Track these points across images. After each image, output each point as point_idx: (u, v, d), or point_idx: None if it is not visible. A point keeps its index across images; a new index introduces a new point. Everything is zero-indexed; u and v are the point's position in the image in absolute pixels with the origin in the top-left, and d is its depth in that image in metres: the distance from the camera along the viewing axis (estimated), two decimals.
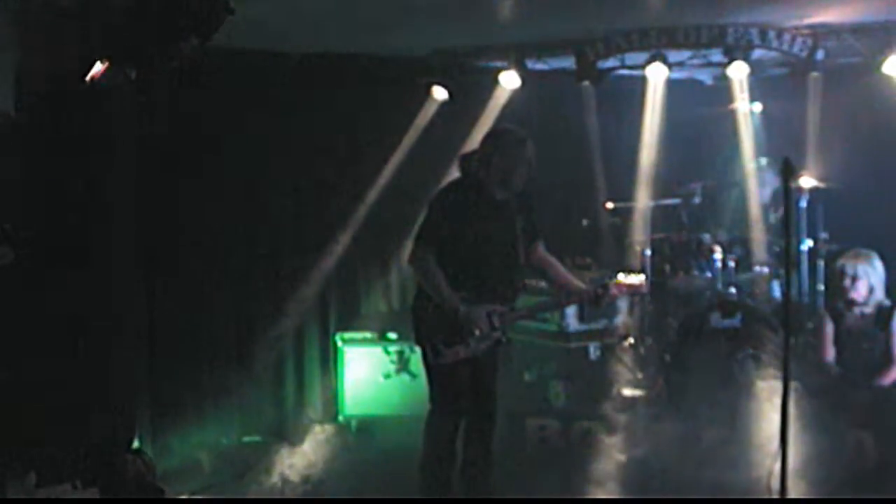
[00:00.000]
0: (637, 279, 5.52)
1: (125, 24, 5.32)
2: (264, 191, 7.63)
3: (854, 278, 6.59)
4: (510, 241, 5.32)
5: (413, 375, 7.27)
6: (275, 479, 6.52)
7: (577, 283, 5.54)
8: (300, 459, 6.91)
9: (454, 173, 8.11)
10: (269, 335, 7.69)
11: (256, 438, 7.48)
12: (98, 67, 5.84)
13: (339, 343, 7.76)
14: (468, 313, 5.11)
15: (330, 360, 7.96)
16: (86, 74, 5.83)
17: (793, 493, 4.20)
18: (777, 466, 4.12)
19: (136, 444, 6.39)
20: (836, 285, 6.69)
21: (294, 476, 6.54)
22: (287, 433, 7.56)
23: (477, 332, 5.15)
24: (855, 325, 6.67)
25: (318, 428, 7.65)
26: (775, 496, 4.13)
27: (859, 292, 6.60)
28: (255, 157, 7.52)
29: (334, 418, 7.72)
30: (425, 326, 5.27)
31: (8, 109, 5.46)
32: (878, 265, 6.66)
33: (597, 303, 5.45)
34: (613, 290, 5.39)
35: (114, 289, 6.43)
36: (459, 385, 5.29)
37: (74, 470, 5.49)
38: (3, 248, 5.43)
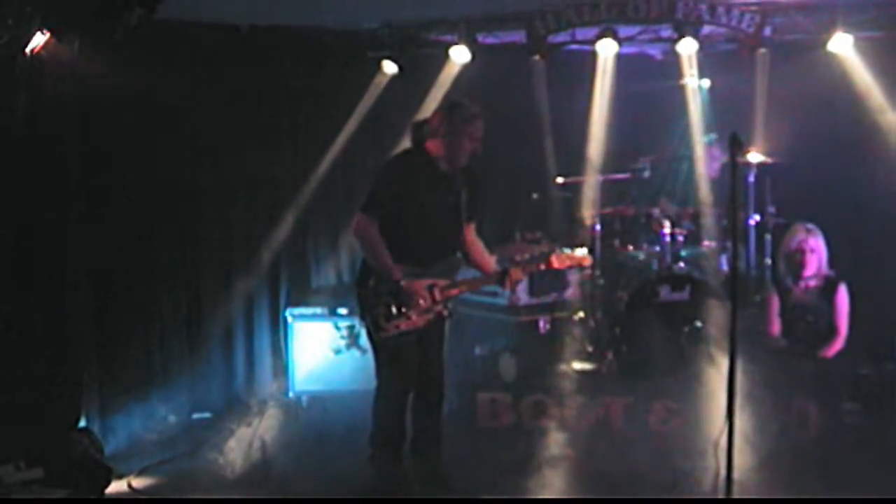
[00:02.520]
0: (579, 254, 5.55)
1: None
2: (212, 165, 7.53)
3: (808, 252, 6.69)
4: (454, 215, 5.31)
5: (363, 350, 7.23)
6: (225, 455, 6.47)
7: (491, 265, 5.54)
8: (250, 436, 6.87)
9: (404, 147, 8.17)
10: (219, 311, 7.62)
11: (206, 415, 7.42)
12: (39, 39, 5.71)
13: (290, 318, 7.71)
14: (409, 286, 5.09)
15: (280, 336, 7.92)
16: (26, 46, 5.70)
17: (739, 463, 4.26)
18: (724, 437, 4.19)
19: (82, 422, 6.33)
20: (792, 260, 6.77)
21: (244, 452, 6.51)
22: (237, 409, 7.50)
23: (419, 305, 5.13)
24: (801, 298, 6.78)
25: (268, 404, 7.61)
26: (722, 467, 4.19)
27: (812, 266, 6.70)
28: (202, 130, 7.43)
29: (285, 394, 7.68)
30: (367, 300, 5.23)
31: None
32: (823, 239, 6.78)
33: (501, 284, 5.45)
34: (515, 274, 5.37)
35: (59, 267, 6.34)
36: (405, 359, 5.26)
37: (19, 449, 5.42)
38: None
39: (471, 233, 5.50)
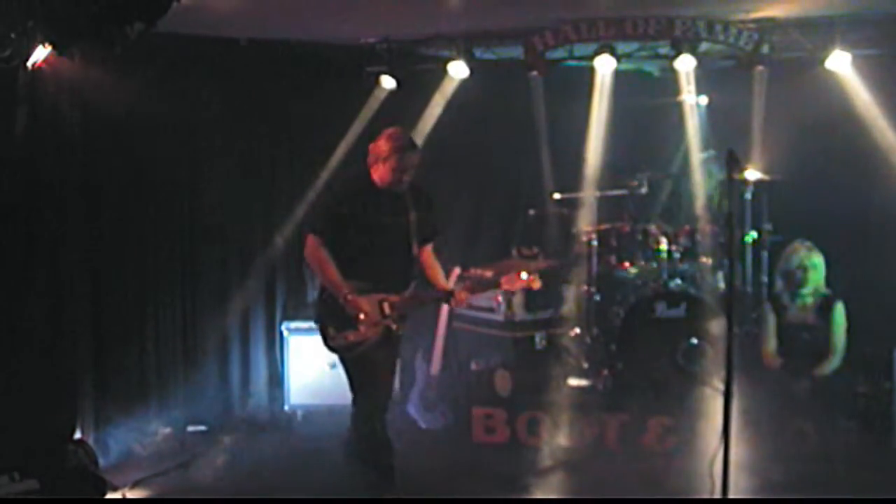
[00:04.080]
0: (527, 277, 5.61)
1: (68, 8, 5.21)
2: (209, 178, 7.54)
3: (807, 270, 6.69)
4: (403, 234, 5.46)
5: None
6: (220, 468, 6.47)
7: (442, 285, 5.66)
8: (245, 449, 6.87)
9: None
10: (216, 324, 7.62)
11: (201, 428, 7.40)
12: (42, 53, 5.74)
13: (285, 332, 7.70)
14: (357, 300, 5.26)
15: (276, 350, 7.92)
16: (27, 58, 5.73)
17: (734, 481, 4.25)
18: (720, 455, 4.19)
19: (77, 434, 6.32)
20: (790, 277, 6.77)
21: (239, 465, 6.50)
22: (233, 423, 7.50)
23: (362, 318, 5.28)
24: (797, 316, 6.77)
25: (263, 417, 7.61)
26: (718, 484, 4.19)
27: (810, 284, 6.70)
28: (199, 143, 7.44)
29: (280, 407, 7.67)
30: (322, 312, 5.46)
31: None
32: (821, 257, 6.79)
33: (447, 303, 5.66)
34: (460, 295, 5.50)
35: (57, 279, 6.34)
36: (367, 370, 5.40)
37: (14, 461, 5.41)
38: None
39: (426, 253, 5.64)
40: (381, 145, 5.38)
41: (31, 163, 6.13)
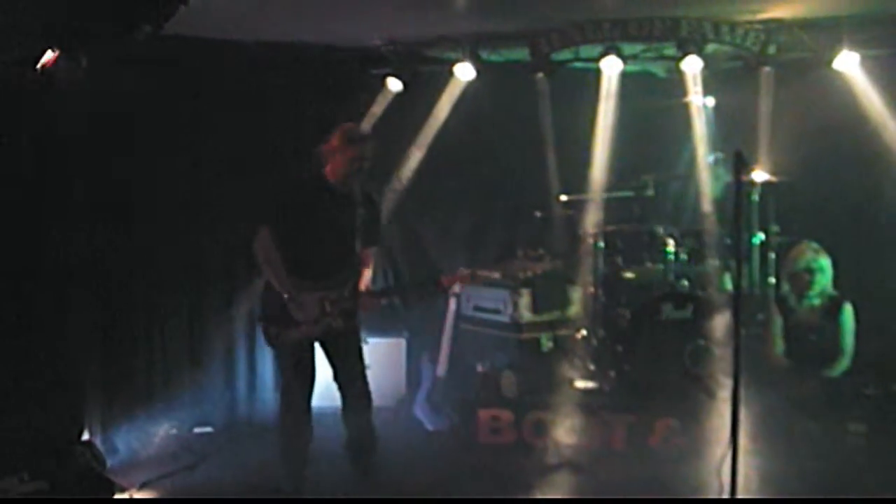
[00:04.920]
0: (463, 272, 5.96)
1: (77, 12, 5.24)
2: (216, 181, 7.52)
3: (815, 272, 6.68)
4: (348, 232, 5.58)
5: (367, 367, 7.23)
6: (226, 470, 6.48)
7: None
8: (252, 450, 6.87)
9: (409, 164, 8.18)
10: (222, 326, 7.62)
11: (208, 429, 7.42)
12: (50, 55, 5.76)
13: None
14: (297, 298, 5.40)
15: None
16: (36, 61, 5.75)
17: (743, 484, 4.24)
18: (727, 457, 4.18)
19: (85, 435, 6.33)
20: (797, 279, 6.76)
21: (245, 467, 6.50)
22: (239, 424, 7.51)
23: (306, 317, 5.42)
24: (805, 317, 6.77)
25: (269, 419, 7.61)
26: (726, 487, 4.18)
27: (817, 286, 6.69)
28: (206, 146, 7.44)
29: None
30: (263, 310, 5.58)
31: None
32: (829, 258, 6.78)
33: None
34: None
35: (64, 282, 6.35)
36: (297, 363, 5.54)
37: (22, 462, 5.43)
38: None
39: (367, 256, 5.75)
40: (334, 139, 5.50)
41: (39, 165, 6.14)
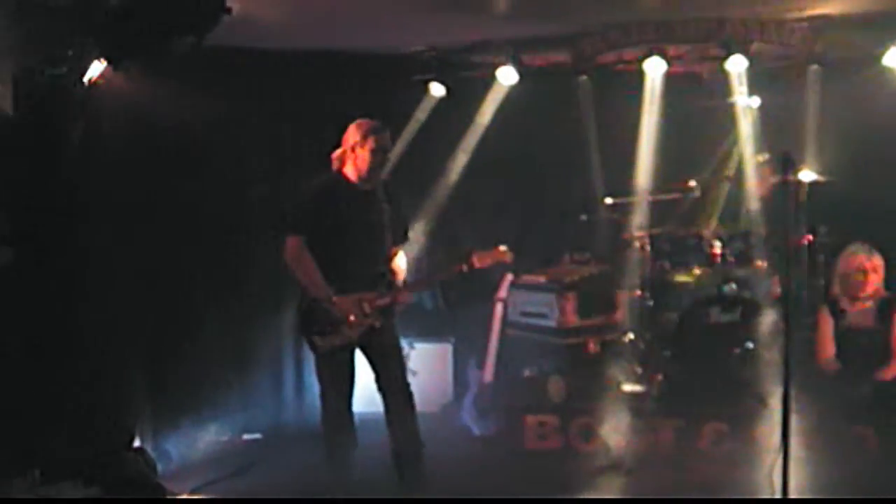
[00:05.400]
0: (501, 249, 5.64)
1: (121, 23, 5.31)
2: (261, 188, 7.58)
3: (868, 272, 6.58)
4: (378, 230, 5.48)
5: (413, 372, 7.24)
6: (275, 475, 6.51)
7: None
8: (300, 456, 6.90)
9: (452, 171, 8.17)
10: (269, 332, 7.67)
11: (256, 436, 7.47)
12: (97, 68, 5.85)
13: None
14: (339, 302, 5.30)
15: None
16: (83, 73, 5.83)
17: (794, 489, 4.18)
18: (778, 462, 4.13)
19: (136, 442, 6.40)
20: (849, 280, 6.66)
21: (294, 473, 6.54)
22: (287, 430, 7.55)
23: (348, 321, 5.33)
24: (855, 320, 6.66)
25: (317, 425, 7.63)
26: (777, 492, 4.13)
27: (870, 287, 6.59)
28: (251, 155, 7.50)
29: None
30: (303, 321, 5.50)
31: (6, 109, 5.45)
32: (882, 259, 6.67)
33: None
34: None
35: (113, 289, 6.43)
36: (339, 369, 5.47)
37: (77, 468, 5.53)
38: (2, 248, 5.44)
39: (397, 257, 5.65)
40: (351, 134, 5.44)
41: (86, 176, 6.22)
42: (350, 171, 5.46)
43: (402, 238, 5.70)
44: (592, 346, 7.76)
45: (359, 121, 5.52)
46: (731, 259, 7.38)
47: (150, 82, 6.37)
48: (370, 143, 5.37)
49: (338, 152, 5.51)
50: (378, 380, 5.65)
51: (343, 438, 5.59)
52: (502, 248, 5.67)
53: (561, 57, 7.92)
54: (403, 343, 7.12)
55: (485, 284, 7.53)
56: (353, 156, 5.42)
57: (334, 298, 5.30)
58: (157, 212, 6.92)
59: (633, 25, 7.38)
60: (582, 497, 5.72)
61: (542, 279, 7.78)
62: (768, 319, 6.78)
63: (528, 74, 7.86)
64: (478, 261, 5.61)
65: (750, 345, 6.88)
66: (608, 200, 8.04)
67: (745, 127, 7.79)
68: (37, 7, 5.24)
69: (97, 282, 6.28)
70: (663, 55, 7.50)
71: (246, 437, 7.45)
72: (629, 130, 7.96)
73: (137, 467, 5.94)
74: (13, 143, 5.56)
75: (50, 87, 5.63)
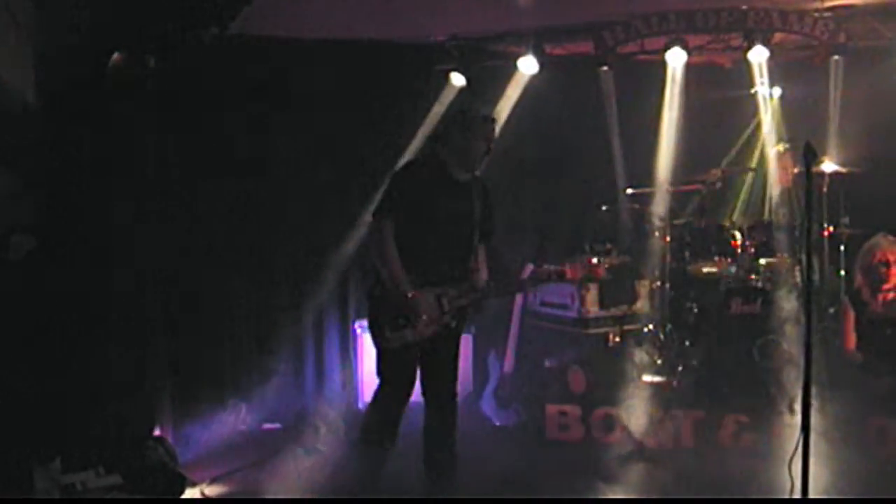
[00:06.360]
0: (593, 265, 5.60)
1: (144, 12, 5.33)
2: (283, 179, 7.61)
3: (891, 265, 6.53)
4: (467, 224, 5.23)
5: None
6: (294, 466, 6.53)
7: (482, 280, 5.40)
8: (319, 447, 6.92)
9: None
10: (289, 323, 7.70)
11: (277, 425, 7.50)
12: (118, 55, 5.87)
13: (358, 331, 7.76)
14: (416, 298, 5.00)
15: (349, 348, 7.97)
16: (106, 62, 5.86)
17: (814, 481, 4.17)
18: (799, 455, 4.11)
19: (157, 431, 6.44)
20: (872, 272, 6.62)
21: (313, 463, 6.56)
22: (307, 420, 7.57)
23: (424, 317, 5.05)
24: (879, 311, 6.62)
25: (337, 415, 7.66)
26: (797, 485, 4.11)
27: (893, 279, 6.55)
28: (275, 143, 7.51)
29: (354, 405, 7.73)
30: (375, 310, 5.13)
31: (28, 96, 5.49)
32: None
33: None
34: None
35: (135, 280, 6.47)
36: (405, 368, 5.17)
37: (98, 456, 5.56)
38: (24, 236, 5.47)
39: (481, 254, 5.41)
40: (446, 124, 5.25)
41: (108, 166, 6.25)
42: (449, 158, 5.18)
43: (487, 237, 5.42)
44: (613, 337, 7.75)
45: (466, 109, 5.35)
46: (752, 250, 7.35)
47: (173, 72, 6.39)
48: (480, 132, 5.12)
49: (451, 129, 5.23)
50: (427, 385, 5.35)
51: (383, 438, 5.23)
52: (594, 260, 5.52)
53: (582, 47, 7.90)
54: None
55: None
56: (455, 142, 5.14)
57: (411, 293, 4.98)
58: (180, 201, 6.95)
59: (655, 16, 7.35)
60: (589, 497, 5.70)
61: (562, 269, 7.76)
62: (789, 310, 6.75)
63: (550, 64, 7.84)
64: (570, 272, 5.55)
65: (771, 336, 6.85)
66: (629, 191, 8.04)
67: (767, 117, 7.75)
68: None
69: (121, 273, 6.31)
70: (685, 45, 7.47)
71: (266, 426, 7.48)
72: (650, 121, 7.94)
73: (157, 456, 5.97)
74: (35, 131, 5.59)
75: (72, 74, 5.65)
